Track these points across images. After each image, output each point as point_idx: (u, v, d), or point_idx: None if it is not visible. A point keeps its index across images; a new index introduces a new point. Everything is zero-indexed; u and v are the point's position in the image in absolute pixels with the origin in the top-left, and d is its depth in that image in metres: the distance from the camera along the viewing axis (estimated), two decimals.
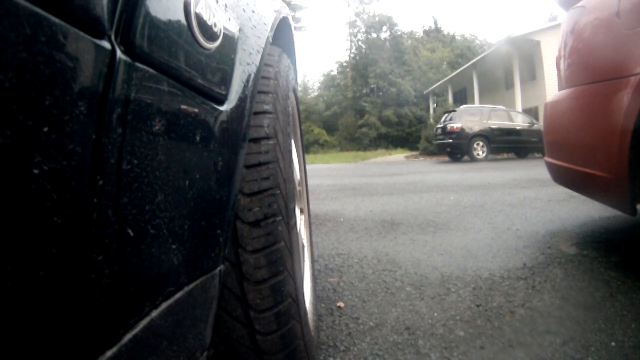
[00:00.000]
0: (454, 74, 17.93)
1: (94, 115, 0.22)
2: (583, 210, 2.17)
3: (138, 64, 0.26)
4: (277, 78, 0.61)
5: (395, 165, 9.14)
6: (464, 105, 10.42)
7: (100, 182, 0.23)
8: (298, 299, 0.59)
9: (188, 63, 0.32)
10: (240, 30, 0.46)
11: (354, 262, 1.45)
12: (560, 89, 1.44)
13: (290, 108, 0.68)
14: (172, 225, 0.32)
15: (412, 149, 20.04)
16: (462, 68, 16.69)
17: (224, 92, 0.40)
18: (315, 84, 35.60)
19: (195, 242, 0.36)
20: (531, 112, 12.17)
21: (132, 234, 0.26)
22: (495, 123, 8.97)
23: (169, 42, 0.29)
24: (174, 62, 0.30)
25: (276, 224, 0.52)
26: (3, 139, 0.17)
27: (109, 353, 0.25)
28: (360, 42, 29.02)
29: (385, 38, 28.33)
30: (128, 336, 0.27)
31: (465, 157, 9.14)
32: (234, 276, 0.50)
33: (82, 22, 0.21)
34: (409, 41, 29.83)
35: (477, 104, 12.28)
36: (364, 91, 27.56)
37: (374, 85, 26.78)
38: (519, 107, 12.05)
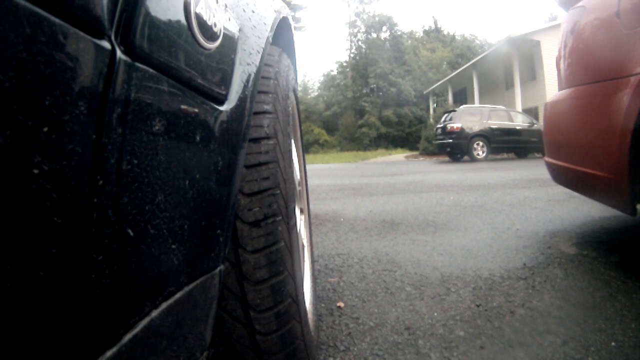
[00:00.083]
0: (454, 74, 17.93)
1: (94, 115, 0.22)
2: (583, 210, 2.17)
3: (138, 64, 0.26)
4: (277, 78, 0.61)
5: (395, 165, 9.14)
6: (464, 105, 10.42)
7: (101, 182, 0.23)
8: (298, 299, 0.59)
9: (188, 63, 0.32)
10: (240, 30, 0.46)
11: (354, 262, 1.45)
12: (560, 89, 1.44)
13: (290, 108, 0.68)
14: (172, 225, 0.32)
15: (412, 149, 20.04)
16: (462, 68, 16.69)
17: (224, 92, 0.40)
18: (315, 84, 35.66)
19: (195, 242, 0.36)
20: (531, 112, 12.17)
21: (132, 234, 0.26)
22: (495, 123, 8.97)
23: (169, 42, 0.29)
24: (174, 62, 0.30)
25: (276, 224, 0.52)
26: (3, 139, 0.17)
27: (109, 353, 0.25)
28: (360, 42, 29.03)
29: (385, 38, 28.34)
30: (128, 336, 0.27)
31: (465, 157, 9.14)
32: (234, 276, 0.50)
33: (82, 22, 0.21)
34: (409, 41, 29.83)
35: (477, 104, 12.28)
36: (364, 91, 27.56)
37: (374, 85, 26.78)
38: (519, 107, 12.05)
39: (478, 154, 8.78)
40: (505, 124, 9.10)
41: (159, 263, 0.30)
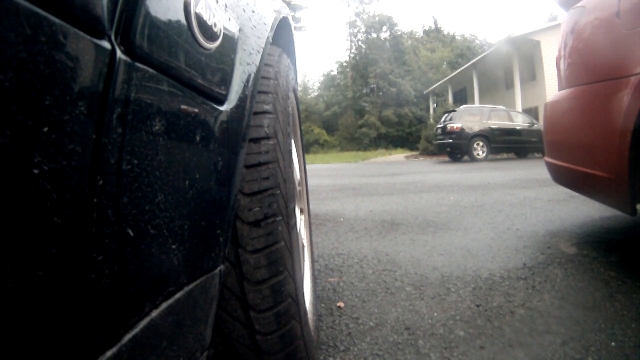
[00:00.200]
0: (454, 74, 17.93)
1: (94, 115, 0.22)
2: (583, 210, 2.17)
3: (138, 64, 0.26)
4: (277, 78, 0.61)
5: (395, 165, 9.14)
6: (464, 105, 10.42)
7: (100, 182, 0.23)
8: (298, 299, 0.59)
9: (188, 63, 0.32)
10: (240, 30, 0.46)
11: (354, 262, 1.45)
12: (560, 89, 1.44)
13: (290, 108, 0.68)
14: (172, 225, 0.32)
15: (412, 149, 20.04)
16: (462, 68, 16.69)
17: (224, 92, 0.40)
18: (315, 84, 35.64)
19: (195, 242, 0.36)
20: (531, 112, 12.17)
21: (132, 234, 0.26)
22: (495, 123, 8.97)
23: (169, 42, 0.29)
24: (174, 62, 0.30)
25: (276, 224, 0.52)
26: (3, 139, 0.17)
27: (109, 353, 0.25)
28: (360, 42, 29.02)
29: (385, 38, 28.33)
30: (128, 336, 0.27)
31: (465, 157, 9.14)
32: (234, 276, 0.50)
33: (82, 22, 0.21)
34: (409, 41, 29.84)
35: (477, 104, 12.28)
36: (364, 91, 27.56)
37: (374, 85, 26.77)
38: (519, 107, 12.05)
39: (478, 154, 8.78)
40: (505, 124, 9.10)
41: (159, 263, 0.30)
